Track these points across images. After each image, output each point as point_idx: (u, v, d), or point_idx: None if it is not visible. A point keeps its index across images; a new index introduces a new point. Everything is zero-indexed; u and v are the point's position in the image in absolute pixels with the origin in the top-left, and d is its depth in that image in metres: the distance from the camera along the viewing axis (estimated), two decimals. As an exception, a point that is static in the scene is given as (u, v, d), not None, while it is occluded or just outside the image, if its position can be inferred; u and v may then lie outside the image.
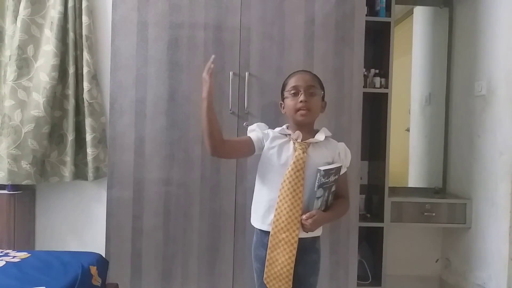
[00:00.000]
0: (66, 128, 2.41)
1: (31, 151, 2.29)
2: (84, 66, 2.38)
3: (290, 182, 1.57)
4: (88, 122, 2.38)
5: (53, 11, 2.34)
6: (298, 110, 1.62)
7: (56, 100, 2.37)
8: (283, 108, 1.72)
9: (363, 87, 2.23)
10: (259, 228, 1.67)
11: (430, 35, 2.96)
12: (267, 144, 1.65)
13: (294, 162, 1.58)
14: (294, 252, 1.57)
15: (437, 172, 2.87)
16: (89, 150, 2.39)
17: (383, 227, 2.51)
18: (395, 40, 2.51)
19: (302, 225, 1.58)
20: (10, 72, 2.31)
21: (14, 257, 1.70)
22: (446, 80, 2.83)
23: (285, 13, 2.12)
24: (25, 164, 2.29)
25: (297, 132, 1.63)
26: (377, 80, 2.56)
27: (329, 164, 1.62)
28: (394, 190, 2.70)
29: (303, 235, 1.60)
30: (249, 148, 1.66)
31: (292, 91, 1.64)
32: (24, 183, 2.30)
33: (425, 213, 2.54)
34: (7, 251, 1.82)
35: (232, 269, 2.12)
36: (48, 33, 2.35)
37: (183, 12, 2.10)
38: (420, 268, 2.86)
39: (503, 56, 2.32)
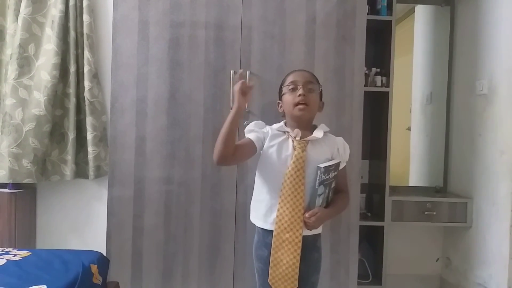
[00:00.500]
0: (67, 127, 2.41)
1: (32, 149, 2.30)
2: (85, 64, 2.38)
3: (291, 182, 1.57)
4: (89, 120, 2.38)
5: (54, 9, 2.34)
6: (296, 104, 1.61)
7: (57, 98, 2.37)
8: (281, 107, 1.71)
9: (364, 86, 2.23)
10: (261, 227, 1.66)
11: (432, 34, 2.95)
12: (266, 142, 1.64)
13: (294, 162, 1.58)
14: (299, 251, 1.57)
15: (438, 171, 2.86)
16: (90, 148, 2.39)
17: (383, 226, 2.51)
18: (396, 39, 2.51)
19: (305, 223, 1.58)
20: (11, 70, 2.31)
21: (15, 255, 1.71)
22: (447, 79, 2.83)
23: (286, 12, 2.12)
24: (26, 163, 2.29)
25: (296, 130, 1.63)
26: (378, 79, 2.55)
27: (329, 160, 1.62)
28: (395, 189, 2.70)
29: (305, 233, 1.61)
30: (252, 151, 1.64)
31: (291, 86, 1.64)
32: (25, 181, 2.30)
33: (426, 212, 2.54)
34: (8, 249, 1.82)
35: (233, 268, 2.12)
36: (49, 32, 2.35)
37: (184, 11, 2.10)
38: (420, 267, 2.86)
39: (504, 55, 2.32)
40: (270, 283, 1.60)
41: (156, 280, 2.11)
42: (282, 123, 1.69)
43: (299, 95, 1.61)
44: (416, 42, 2.93)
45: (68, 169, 2.40)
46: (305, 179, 1.58)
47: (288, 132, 1.65)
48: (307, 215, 1.57)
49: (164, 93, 2.10)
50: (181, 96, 2.10)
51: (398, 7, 2.61)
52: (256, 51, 2.11)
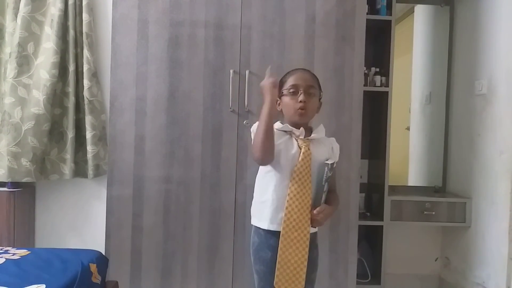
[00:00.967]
0: (66, 126, 2.41)
1: (31, 148, 2.29)
2: (84, 63, 2.38)
3: (300, 179, 1.57)
4: (88, 119, 2.38)
5: (54, 8, 2.34)
6: (296, 110, 1.62)
7: (56, 97, 2.37)
8: (279, 105, 1.71)
9: (364, 85, 2.23)
10: (266, 228, 1.63)
11: (431, 34, 2.95)
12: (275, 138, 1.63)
13: (302, 159, 1.58)
14: (307, 250, 1.56)
15: (437, 171, 2.87)
16: (89, 147, 2.39)
17: (382, 226, 2.51)
18: (395, 38, 2.51)
19: (312, 220, 1.58)
20: (10, 69, 2.31)
21: (14, 254, 1.70)
22: (447, 79, 2.83)
23: (286, 11, 2.12)
24: (25, 162, 2.29)
25: (301, 129, 1.63)
26: (378, 78, 2.56)
27: (327, 159, 1.64)
28: (394, 189, 2.70)
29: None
30: None
31: (292, 90, 1.63)
32: (24, 180, 2.30)
33: (425, 212, 2.54)
34: (7, 248, 1.82)
35: (232, 267, 2.12)
36: (49, 31, 2.34)
37: (183, 10, 2.09)
38: (419, 266, 2.86)
39: (503, 55, 2.32)
40: (276, 286, 1.57)
41: (155, 279, 2.11)
42: (279, 122, 1.69)
43: (300, 101, 1.61)
44: (416, 42, 2.93)
45: (67, 168, 2.40)
46: (311, 177, 1.59)
47: (290, 131, 1.64)
48: (315, 211, 1.57)
49: (164, 92, 2.10)
50: (180, 95, 2.10)
51: (397, 7, 2.61)
52: (256, 51, 2.11)
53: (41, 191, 2.55)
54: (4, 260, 1.62)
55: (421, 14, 2.94)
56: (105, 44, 2.46)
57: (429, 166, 2.94)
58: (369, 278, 2.57)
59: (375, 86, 2.55)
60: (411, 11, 2.91)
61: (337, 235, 2.16)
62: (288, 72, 1.70)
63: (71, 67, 2.38)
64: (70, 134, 2.39)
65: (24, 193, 2.43)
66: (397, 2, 2.55)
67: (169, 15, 2.09)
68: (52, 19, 2.34)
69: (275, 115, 1.57)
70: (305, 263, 1.57)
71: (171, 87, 2.10)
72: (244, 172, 2.10)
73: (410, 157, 2.98)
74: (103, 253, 1.97)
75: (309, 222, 1.58)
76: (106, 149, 2.40)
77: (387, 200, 2.51)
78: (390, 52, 2.50)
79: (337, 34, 2.14)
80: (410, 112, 2.94)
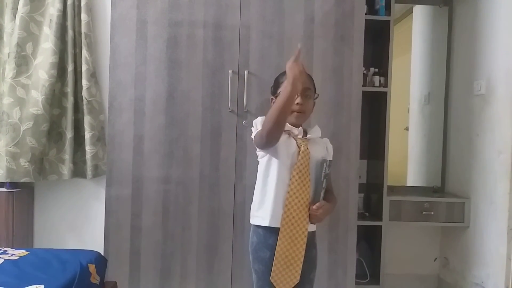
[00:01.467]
0: (65, 126, 2.40)
1: (29, 149, 2.29)
2: (83, 64, 2.37)
3: (300, 177, 1.60)
4: (87, 120, 2.38)
5: (52, 8, 2.34)
6: (293, 112, 1.63)
7: (55, 98, 2.37)
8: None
9: (362, 86, 2.23)
10: (267, 225, 1.64)
11: (430, 34, 2.95)
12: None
13: (302, 157, 1.62)
14: (304, 246, 1.60)
15: (436, 171, 2.87)
16: (88, 148, 2.38)
17: (381, 226, 2.51)
18: (394, 39, 2.51)
19: (311, 216, 1.61)
20: (9, 69, 2.31)
21: (12, 254, 1.70)
22: (445, 79, 2.84)
23: (285, 11, 2.12)
24: (23, 162, 2.28)
25: (300, 128, 1.68)
26: (377, 79, 2.56)
27: (324, 158, 1.68)
28: (393, 189, 2.70)
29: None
30: None
31: None
32: (22, 181, 2.30)
33: (424, 212, 2.54)
34: (6, 248, 1.81)
35: (231, 267, 2.12)
36: (47, 31, 2.34)
37: (182, 10, 2.09)
38: (418, 267, 2.86)
39: (502, 55, 2.32)
40: (272, 280, 1.60)
41: (154, 280, 2.11)
42: None
43: (297, 103, 1.63)
44: (414, 42, 2.94)
45: (66, 169, 2.39)
46: (310, 175, 1.62)
47: (288, 130, 1.66)
48: (314, 207, 1.61)
49: (162, 92, 2.09)
50: (179, 95, 2.10)
51: (396, 7, 2.61)
52: (255, 51, 2.11)
53: (39, 191, 2.54)
54: (2, 260, 1.62)
55: (419, 14, 2.94)
56: (103, 44, 2.46)
57: (428, 166, 2.94)
58: (368, 278, 2.58)
59: (374, 86, 2.55)
60: (410, 11, 2.92)
61: (336, 235, 2.16)
62: (284, 71, 1.70)
63: (70, 67, 2.38)
64: (69, 134, 2.39)
65: (22, 193, 2.42)
66: (396, 2, 2.56)
67: (168, 15, 2.09)
68: (50, 19, 2.33)
69: (291, 106, 1.53)
70: (302, 259, 1.61)
71: (170, 87, 2.10)
72: (243, 172, 2.10)
73: (409, 157, 2.98)
74: (102, 254, 1.96)
75: (307, 219, 1.61)
76: (105, 149, 2.40)
77: (386, 200, 2.52)
78: (389, 52, 2.50)
79: (336, 34, 2.14)
80: (409, 112, 2.94)
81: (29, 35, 2.33)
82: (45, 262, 1.64)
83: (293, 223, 1.59)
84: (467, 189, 2.60)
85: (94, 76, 2.42)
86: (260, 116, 1.70)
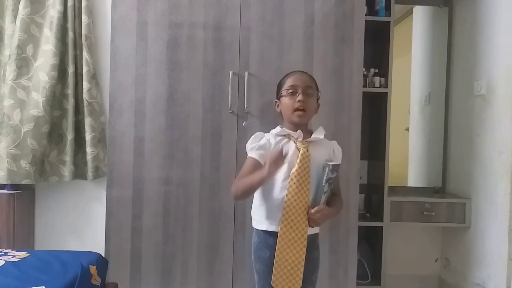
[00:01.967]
0: (66, 128, 2.40)
1: (30, 150, 2.29)
2: (83, 65, 2.38)
3: (298, 180, 1.58)
4: (87, 121, 2.38)
5: (53, 10, 2.34)
6: (295, 110, 1.63)
7: (55, 99, 2.37)
8: (278, 107, 1.72)
9: (363, 86, 2.23)
10: (266, 229, 1.65)
11: (430, 35, 2.96)
12: (271, 148, 1.64)
13: (300, 160, 1.60)
14: (304, 250, 1.59)
15: (436, 172, 2.87)
16: (89, 149, 2.38)
17: (382, 227, 2.51)
18: (394, 39, 2.51)
19: (309, 220, 1.59)
20: (10, 71, 2.31)
21: (13, 256, 1.70)
22: (446, 79, 2.83)
23: (285, 12, 2.12)
24: (24, 164, 2.28)
25: (299, 131, 1.65)
26: (377, 79, 2.56)
27: (328, 161, 1.65)
28: (394, 190, 2.70)
29: (308, 231, 1.61)
30: (259, 169, 1.65)
31: (290, 90, 1.65)
32: (23, 182, 2.30)
33: (425, 213, 2.54)
34: (7, 250, 1.82)
35: (232, 269, 2.12)
36: (48, 33, 2.34)
37: (182, 12, 2.10)
38: (419, 267, 2.86)
39: (502, 55, 2.32)
40: (273, 285, 1.59)
41: (155, 281, 2.11)
42: (278, 127, 1.70)
43: (298, 100, 1.62)
44: (415, 43, 2.94)
45: (67, 170, 2.40)
46: (310, 178, 1.60)
47: (289, 134, 1.66)
48: (312, 211, 1.58)
49: (163, 93, 2.10)
50: (179, 96, 2.10)
51: (396, 8, 2.61)
52: (255, 52, 2.11)
53: (40, 193, 2.55)
54: (3, 262, 1.62)
55: (420, 15, 2.95)
56: (104, 46, 2.46)
57: (429, 167, 2.94)
58: (369, 279, 2.57)
59: (374, 87, 2.55)
60: (410, 12, 2.92)
61: (337, 236, 2.16)
62: (286, 74, 1.72)
63: (70, 69, 2.38)
64: (70, 136, 2.39)
65: (23, 195, 2.42)
66: (396, 3, 2.56)
67: (168, 16, 2.09)
68: (51, 21, 2.34)
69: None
70: (302, 262, 1.59)
71: (170, 88, 2.10)
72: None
73: (409, 158, 2.98)
74: (103, 255, 1.97)
75: (306, 222, 1.59)
76: (106, 151, 2.40)
77: (387, 201, 2.51)
78: (389, 53, 2.50)
79: (336, 35, 2.14)
80: (409, 113, 2.94)
81: (29, 37, 2.34)
82: (46, 264, 1.64)
83: (292, 226, 1.58)
84: (468, 189, 2.59)
85: (94, 77, 2.42)
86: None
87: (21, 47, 2.32)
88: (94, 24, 2.46)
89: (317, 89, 1.72)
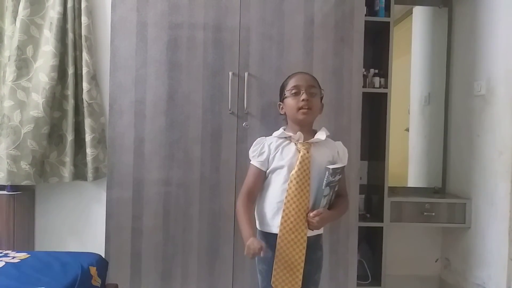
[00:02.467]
0: (66, 129, 2.40)
1: (30, 151, 2.29)
2: (83, 66, 2.38)
3: (297, 183, 1.58)
4: (87, 122, 2.38)
5: (52, 11, 2.34)
6: (299, 109, 1.63)
7: (55, 100, 2.37)
8: (282, 109, 1.72)
9: (363, 87, 2.23)
10: (267, 231, 1.65)
11: (430, 35, 2.96)
12: (271, 154, 1.65)
13: (300, 162, 1.59)
14: (304, 252, 1.58)
15: (436, 172, 2.87)
16: (89, 150, 2.38)
17: (382, 227, 2.51)
18: (394, 40, 2.51)
19: (308, 223, 1.59)
20: (9, 72, 2.31)
21: (13, 257, 1.70)
22: (446, 80, 2.84)
23: (285, 13, 2.12)
24: (24, 165, 2.28)
25: (299, 133, 1.65)
26: (377, 80, 2.56)
27: (331, 162, 1.64)
28: (394, 190, 2.70)
29: (309, 233, 1.62)
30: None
31: (294, 91, 1.65)
32: (23, 183, 2.30)
33: (425, 213, 2.54)
34: (7, 251, 1.81)
35: (232, 269, 2.12)
36: (48, 34, 2.34)
37: (182, 13, 2.10)
38: (419, 268, 2.86)
39: (502, 55, 2.32)
40: (273, 285, 1.60)
41: (155, 282, 2.11)
42: (281, 129, 1.70)
43: (302, 100, 1.62)
44: (414, 44, 2.94)
45: (67, 171, 2.39)
46: (310, 180, 1.59)
47: (289, 136, 1.66)
48: (311, 214, 1.58)
49: (163, 94, 2.10)
50: (179, 97, 2.10)
51: (396, 8, 2.61)
52: (255, 53, 2.11)
53: (40, 194, 2.54)
54: (3, 263, 1.62)
55: (419, 15, 2.95)
56: (104, 47, 2.46)
57: (429, 167, 2.94)
58: (370, 280, 2.57)
59: (374, 87, 2.55)
60: (410, 12, 2.92)
61: (337, 237, 2.16)
62: (288, 76, 1.73)
63: (70, 70, 2.38)
64: (70, 137, 2.39)
65: (23, 196, 2.42)
66: (395, 3, 2.56)
67: (168, 17, 2.09)
68: (51, 22, 2.34)
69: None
70: (302, 264, 1.59)
71: (170, 89, 2.10)
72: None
73: (409, 158, 2.98)
74: (103, 256, 1.96)
75: (306, 225, 1.59)
76: (106, 151, 2.40)
77: (387, 201, 2.51)
78: (389, 53, 2.50)
79: (335, 35, 2.14)
80: (409, 113, 2.94)
81: (29, 38, 2.34)
82: (46, 265, 1.64)
83: (291, 228, 1.58)
84: (468, 189, 2.59)
85: (94, 78, 2.42)
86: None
87: (21, 48, 2.32)
88: (94, 25, 2.46)
89: (320, 88, 1.71)
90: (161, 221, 2.11)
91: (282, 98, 1.72)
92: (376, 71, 2.59)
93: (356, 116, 2.15)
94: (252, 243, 1.49)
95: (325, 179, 1.57)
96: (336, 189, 1.66)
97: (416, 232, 2.85)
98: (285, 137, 1.67)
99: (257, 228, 1.71)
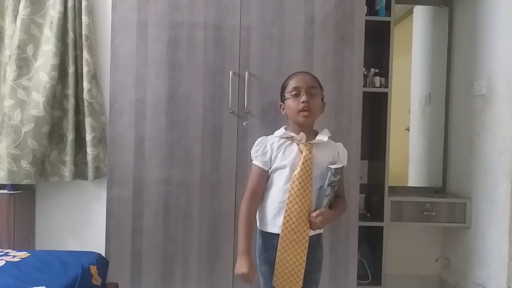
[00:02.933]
0: (66, 128, 2.41)
1: (31, 150, 2.29)
2: (84, 65, 2.38)
3: (300, 183, 1.58)
4: (88, 121, 2.38)
5: (53, 10, 2.34)
6: (300, 111, 1.63)
7: (56, 99, 2.37)
8: (283, 109, 1.72)
9: (363, 86, 2.23)
10: (269, 231, 1.65)
11: (430, 35, 2.96)
12: (273, 153, 1.66)
13: (303, 163, 1.59)
14: (305, 252, 1.59)
15: (437, 172, 2.87)
16: (89, 149, 2.39)
17: (383, 227, 2.51)
18: (395, 39, 2.51)
19: (310, 223, 1.59)
20: (10, 71, 2.31)
21: (14, 256, 1.70)
22: (446, 79, 2.83)
23: (285, 12, 2.12)
24: (25, 164, 2.29)
25: (301, 133, 1.64)
26: (377, 79, 2.56)
27: (331, 163, 1.64)
28: (394, 190, 2.70)
29: (310, 233, 1.62)
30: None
31: (294, 92, 1.65)
32: (24, 182, 2.30)
33: (425, 213, 2.54)
34: (7, 250, 1.82)
35: (232, 269, 2.12)
36: (48, 33, 2.34)
37: (182, 12, 2.10)
38: (420, 267, 2.86)
39: (503, 55, 2.32)
40: (274, 285, 1.60)
41: (156, 281, 2.11)
42: (282, 128, 1.70)
43: (302, 101, 1.62)
44: (415, 43, 2.94)
45: (67, 170, 2.40)
46: (312, 181, 1.60)
47: (291, 136, 1.66)
48: (314, 214, 1.59)
49: (163, 93, 2.10)
50: (180, 96, 2.10)
51: (396, 8, 2.61)
52: (255, 52, 2.11)
53: (41, 193, 2.55)
54: (4, 262, 1.62)
55: (420, 15, 2.94)
56: (104, 46, 2.46)
57: (429, 167, 2.94)
58: (370, 279, 2.57)
59: (374, 87, 2.55)
60: (410, 12, 2.92)
61: (338, 236, 2.16)
62: (288, 76, 1.72)
63: (71, 69, 2.38)
64: (70, 136, 2.39)
65: (24, 195, 2.43)
66: (396, 3, 2.56)
67: (168, 17, 2.09)
68: (51, 22, 2.34)
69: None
70: (303, 264, 1.59)
71: (170, 88, 2.10)
72: (244, 173, 2.10)
73: (410, 158, 2.98)
74: (103, 255, 1.97)
75: (308, 225, 1.60)
76: (106, 151, 2.40)
77: (387, 201, 2.51)
78: (390, 53, 2.50)
79: (336, 35, 2.14)
80: (409, 112, 2.94)
81: (30, 37, 2.34)
82: (47, 264, 1.65)
83: (293, 229, 1.58)
84: (469, 189, 2.59)
85: (95, 78, 2.42)
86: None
87: (21, 47, 2.32)
88: (94, 24, 2.46)
89: (321, 88, 1.71)
90: (161, 220, 2.11)
91: (282, 99, 1.72)
92: (377, 70, 2.59)
93: (356, 115, 2.15)
94: (247, 272, 1.54)
95: (327, 179, 1.58)
96: (335, 188, 1.66)
97: (416, 232, 2.85)
98: (287, 137, 1.67)
99: (258, 229, 1.71)
